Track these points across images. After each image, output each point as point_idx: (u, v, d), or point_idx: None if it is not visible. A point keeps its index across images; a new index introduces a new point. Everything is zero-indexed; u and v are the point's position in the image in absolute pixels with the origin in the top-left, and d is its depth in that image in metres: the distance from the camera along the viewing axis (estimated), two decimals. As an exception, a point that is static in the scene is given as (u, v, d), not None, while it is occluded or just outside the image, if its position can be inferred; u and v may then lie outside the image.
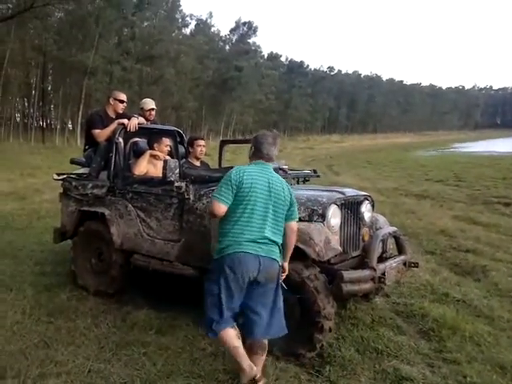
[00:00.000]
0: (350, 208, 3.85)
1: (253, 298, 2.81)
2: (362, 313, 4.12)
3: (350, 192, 3.97)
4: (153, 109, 5.22)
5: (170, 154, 4.60)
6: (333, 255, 3.40)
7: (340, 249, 3.52)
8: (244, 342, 2.86)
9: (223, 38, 49.63)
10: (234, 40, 48.93)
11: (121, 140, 4.53)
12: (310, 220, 3.53)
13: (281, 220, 2.90)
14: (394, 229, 4.14)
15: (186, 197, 3.91)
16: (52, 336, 3.56)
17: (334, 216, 3.59)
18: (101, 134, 4.65)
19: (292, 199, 2.95)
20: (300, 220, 3.47)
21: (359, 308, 4.21)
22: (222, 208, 2.79)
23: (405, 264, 3.92)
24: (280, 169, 4.60)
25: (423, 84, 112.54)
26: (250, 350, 2.87)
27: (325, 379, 3.08)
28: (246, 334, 2.87)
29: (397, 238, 4.07)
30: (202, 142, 4.77)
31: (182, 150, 4.63)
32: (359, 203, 3.95)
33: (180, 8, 42.42)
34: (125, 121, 4.55)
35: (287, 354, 3.31)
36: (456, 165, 22.64)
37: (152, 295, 4.43)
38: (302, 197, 3.69)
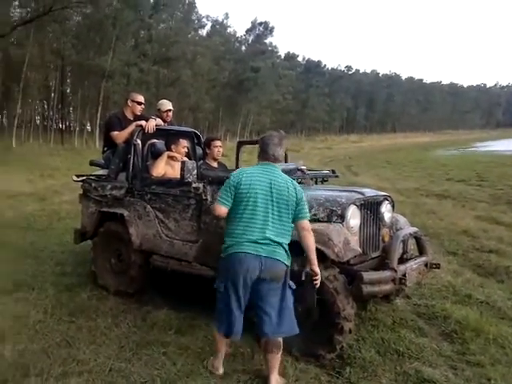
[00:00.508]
0: (370, 208, 3.80)
1: (261, 297, 2.88)
2: (383, 314, 4.08)
3: (369, 192, 3.92)
4: (170, 110, 5.24)
5: (187, 155, 4.62)
6: (352, 256, 3.37)
7: (359, 250, 3.48)
8: (259, 341, 3.04)
9: (239, 39, 49.68)
10: (250, 40, 48.87)
11: (139, 142, 4.56)
12: (328, 221, 3.50)
13: (286, 220, 2.91)
14: (415, 229, 4.07)
15: (204, 198, 3.93)
16: (73, 335, 3.61)
17: (353, 216, 3.55)
18: (119, 136, 4.69)
19: (299, 198, 2.93)
20: (319, 221, 3.49)
21: (380, 309, 4.17)
22: (221, 209, 2.94)
23: (426, 265, 3.86)
24: (298, 169, 4.58)
25: (444, 82, 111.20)
26: (266, 349, 2.94)
27: (345, 380, 3.06)
28: (259, 332, 2.97)
29: (418, 239, 4.01)
30: (218, 143, 4.76)
31: (199, 151, 4.64)
32: (379, 203, 3.90)
33: (196, 9, 42.59)
34: (142, 122, 4.58)
35: (307, 355, 3.30)
36: (478, 164, 22.24)
37: (171, 295, 4.45)
38: (321, 197, 3.67)
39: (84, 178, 5.02)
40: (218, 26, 47.11)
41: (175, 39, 33.96)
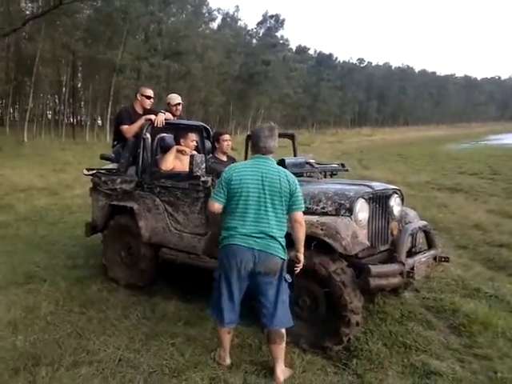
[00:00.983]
0: (379, 202, 3.79)
1: (258, 290, 2.97)
2: (391, 307, 4.08)
3: (378, 186, 3.91)
4: (179, 104, 5.26)
5: (196, 149, 4.64)
6: (360, 249, 3.38)
7: (368, 243, 3.49)
8: (263, 332, 3.16)
9: (250, 32, 49.39)
10: (261, 33, 48.55)
11: (148, 136, 4.59)
12: (337, 214, 3.50)
13: (281, 212, 2.92)
14: (424, 223, 4.06)
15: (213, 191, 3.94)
16: (84, 326, 3.67)
17: (362, 210, 3.55)
18: (129, 130, 4.72)
19: (293, 190, 2.92)
20: (327, 214, 3.50)
21: (388, 303, 4.17)
22: (215, 205, 3.04)
23: (435, 258, 3.85)
24: (307, 163, 4.58)
25: (457, 75, 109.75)
26: (269, 339, 3.00)
27: (351, 372, 3.08)
28: (260, 323, 3.05)
29: (427, 233, 4.00)
30: (227, 137, 4.76)
31: (208, 145, 4.65)
32: (388, 197, 3.89)
33: (206, 2, 42.36)
34: (152, 116, 4.61)
35: (314, 346, 3.32)
36: (491, 158, 22.01)
37: (181, 286, 4.49)
38: (329, 191, 3.67)
39: (94, 171, 5.08)
40: (228, 19, 46.86)
41: (185, 33, 33.85)
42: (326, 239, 3.26)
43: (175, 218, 4.28)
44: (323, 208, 3.55)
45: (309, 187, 3.78)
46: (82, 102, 37.79)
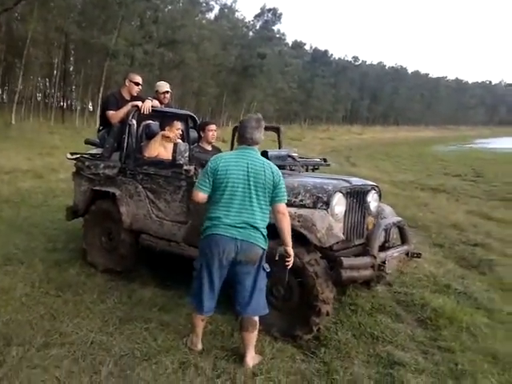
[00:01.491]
0: (356, 197, 3.87)
1: (236, 278, 3.01)
2: (363, 300, 4.18)
3: (356, 181, 3.99)
4: (167, 91, 5.23)
5: (181, 137, 4.67)
6: (334, 242, 3.45)
7: (342, 236, 3.56)
8: (236, 319, 3.17)
9: (247, 24, 49.08)
10: (258, 26, 48.28)
11: (134, 122, 4.59)
12: (314, 207, 3.57)
13: (264, 203, 2.96)
14: (399, 219, 4.15)
15: (195, 180, 3.98)
16: (58, 308, 3.68)
17: (339, 204, 3.62)
18: (114, 116, 4.72)
19: (276, 181, 2.96)
20: (305, 206, 3.57)
21: (360, 295, 4.27)
22: (199, 195, 3.04)
23: (407, 254, 3.94)
24: (289, 156, 4.64)
25: (449, 78, 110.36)
26: (241, 326, 3.06)
27: (319, 360, 3.16)
28: (234, 310, 3.11)
29: (401, 228, 4.08)
30: (213, 127, 4.79)
31: (194, 134, 4.69)
32: (365, 193, 3.97)
33: (204, -9, 42.00)
34: (139, 103, 4.61)
35: (285, 335, 3.40)
36: (476, 161, 22.28)
37: (160, 273, 4.53)
38: (309, 184, 3.74)
39: (78, 156, 5.08)
40: (226, 10, 46.42)
41: (182, 22, 33.57)
42: (302, 230, 3.34)
43: (156, 206, 4.32)
44: (301, 200, 3.62)
45: (289, 180, 3.83)
46: (73, 86, 37.27)
